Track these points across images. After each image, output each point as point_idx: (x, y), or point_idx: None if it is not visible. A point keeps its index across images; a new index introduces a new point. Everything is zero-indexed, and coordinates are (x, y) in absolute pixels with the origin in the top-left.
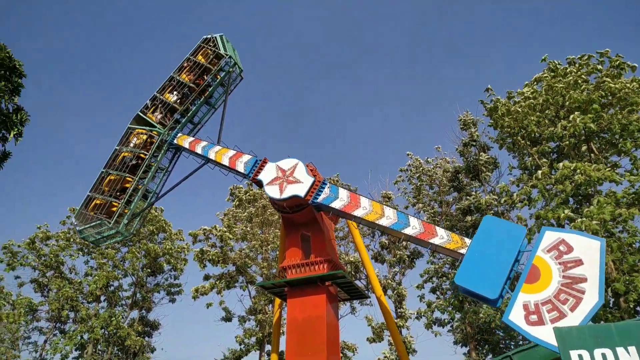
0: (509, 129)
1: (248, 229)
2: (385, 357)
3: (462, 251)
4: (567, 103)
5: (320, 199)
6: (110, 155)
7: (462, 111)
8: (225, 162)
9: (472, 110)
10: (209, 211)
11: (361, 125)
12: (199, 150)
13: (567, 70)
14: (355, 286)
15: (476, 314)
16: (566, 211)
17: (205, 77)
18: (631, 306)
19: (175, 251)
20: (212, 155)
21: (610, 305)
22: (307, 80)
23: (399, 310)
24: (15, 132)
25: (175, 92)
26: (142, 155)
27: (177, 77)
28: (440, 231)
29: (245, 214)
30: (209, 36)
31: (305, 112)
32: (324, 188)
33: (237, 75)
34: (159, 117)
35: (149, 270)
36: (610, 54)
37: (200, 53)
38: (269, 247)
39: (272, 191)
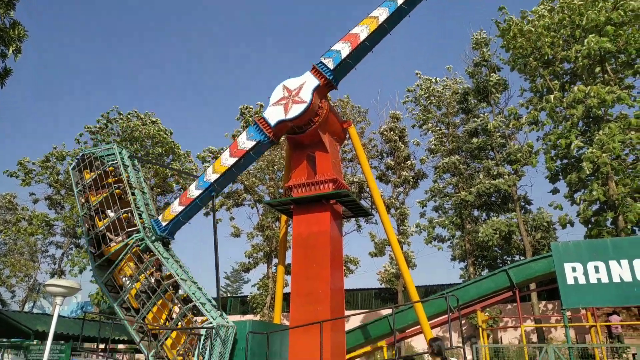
0: (522, 50)
1: None
2: (386, 270)
3: None
4: (584, 22)
5: (336, 62)
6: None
7: (476, 30)
8: (231, 161)
9: (487, 29)
10: (218, 132)
11: None
12: (194, 193)
13: None
14: (359, 204)
15: (476, 232)
16: (577, 140)
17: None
18: (629, 226)
19: (185, 170)
20: (211, 177)
21: (609, 224)
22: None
23: (401, 227)
24: (13, 48)
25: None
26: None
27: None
28: None
29: None
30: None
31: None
32: (329, 56)
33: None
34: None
35: (159, 190)
36: None
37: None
38: (275, 167)
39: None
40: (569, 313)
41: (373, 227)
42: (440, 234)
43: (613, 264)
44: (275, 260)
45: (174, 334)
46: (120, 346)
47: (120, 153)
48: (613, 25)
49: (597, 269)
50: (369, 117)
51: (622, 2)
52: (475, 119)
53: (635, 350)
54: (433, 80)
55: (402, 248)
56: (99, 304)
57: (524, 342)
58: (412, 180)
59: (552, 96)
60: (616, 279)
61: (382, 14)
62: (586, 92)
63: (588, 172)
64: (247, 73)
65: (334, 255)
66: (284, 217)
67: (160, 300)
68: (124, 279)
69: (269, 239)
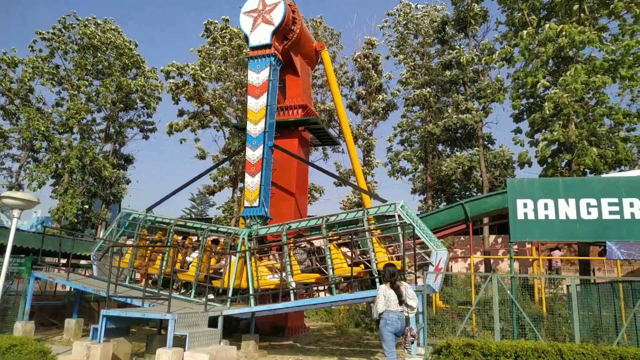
0: None
1: (222, 69)
2: (349, 199)
3: None
4: None
5: None
6: None
7: None
8: (262, 101)
9: None
10: (183, 47)
11: None
12: (257, 154)
13: None
14: (327, 133)
15: (439, 166)
16: (544, 80)
17: None
18: (581, 169)
19: (149, 88)
20: (257, 129)
21: (563, 166)
22: None
23: (366, 158)
24: None
25: None
26: None
27: None
28: None
29: (220, 52)
30: None
31: None
32: None
33: None
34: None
35: (122, 105)
36: None
37: None
38: (244, 89)
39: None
40: (515, 246)
41: (339, 156)
42: (403, 167)
43: (561, 202)
44: (241, 185)
45: None
46: (83, 262)
47: None
48: None
49: (546, 206)
50: (342, 42)
51: None
52: (451, 51)
53: (569, 282)
54: (413, 5)
55: (365, 179)
56: (60, 220)
57: (472, 271)
58: (382, 111)
59: (525, 32)
60: (562, 217)
61: None
62: (558, 30)
63: (549, 113)
64: None
65: (299, 181)
66: None
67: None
68: None
69: (234, 164)
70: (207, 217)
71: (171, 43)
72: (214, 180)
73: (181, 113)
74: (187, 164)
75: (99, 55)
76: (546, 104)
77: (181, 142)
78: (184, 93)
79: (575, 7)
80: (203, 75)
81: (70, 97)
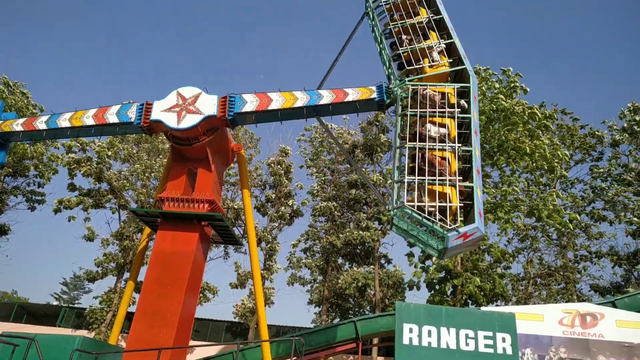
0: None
1: (134, 151)
2: (243, 303)
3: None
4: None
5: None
6: None
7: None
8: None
9: None
10: None
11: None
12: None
13: None
14: (231, 232)
15: (337, 279)
16: None
17: None
18: (464, 298)
19: (48, 158)
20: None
21: (449, 294)
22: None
23: (267, 262)
24: None
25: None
26: None
27: None
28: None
29: (134, 135)
30: None
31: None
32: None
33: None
34: None
35: (10, 169)
36: (511, 73)
37: None
38: (152, 174)
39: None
40: None
41: (240, 257)
42: (302, 276)
43: (444, 330)
44: (127, 275)
45: None
46: None
47: None
48: (486, 117)
49: (429, 333)
50: (260, 146)
51: (495, 99)
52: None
53: None
54: (330, 126)
55: (263, 284)
56: None
57: None
58: (288, 216)
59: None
60: (443, 345)
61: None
62: None
63: None
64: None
65: (192, 278)
66: (147, 230)
67: None
68: None
69: (125, 250)
70: (79, 305)
71: None
72: (98, 266)
73: (73, 188)
74: (72, 243)
75: None
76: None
77: (69, 220)
78: (82, 169)
79: None
80: (109, 153)
81: None
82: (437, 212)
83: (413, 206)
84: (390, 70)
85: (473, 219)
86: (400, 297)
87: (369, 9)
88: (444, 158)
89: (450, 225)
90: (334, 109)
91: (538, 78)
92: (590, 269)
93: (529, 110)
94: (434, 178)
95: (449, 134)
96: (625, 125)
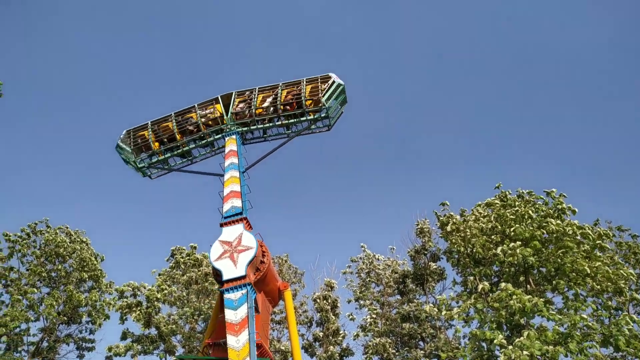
0: (456, 246)
1: (184, 294)
2: None
3: None
4: (512, 234)
5: None
6: (186, 107)
7: (422, 217)
8: (226, 191)
9: (430, 217)
10: (148, 263)
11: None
12: (226, 162)
13: (515, 203)
14: None
15: None
16: (500, 337)
17: (298, 106)
18: None
19: (100, 305)
20: (226, 176)
21: None
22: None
23: None
24: None
25: (269, 100)
26: (202, 127)
27: (280, 89)
28: None
29: (185, 277)
30: (331, 76)
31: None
32: None
33: (324, 126)
34: (240, 106)
35: (65, 318)
36: (555, 194)
37: (311, 83)
38: (200, 317)
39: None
40: None
41: None
42: None
43: None
44: None
45: None
46: None
47: None
48: (538, 241)
49: None
50: (304, 280)
51: (545, 223)
52: (410, 303)
53: None
54: (375, 257)
55: None
56: None
57: None
58: (338, 356)
59: (479, 291)
60: None
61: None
62: (510, 292)
63: None
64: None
65: None
66: None
67: None
68: None
69: None
70: None
71: (136, 260)
72: None
73: (124, 335)
74: None
75: (57, 264)
76: (501, 358)
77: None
78: (133, 315)
79: (522, 278)
80: (158, 296)
81: (12, 302)
82: None
83: None
84: None
85: None
86: None
87: None
88: None
89: None
90: None
91: (585, 196)
92: None
93: (580, 231)
94: None
95: None
96: None
